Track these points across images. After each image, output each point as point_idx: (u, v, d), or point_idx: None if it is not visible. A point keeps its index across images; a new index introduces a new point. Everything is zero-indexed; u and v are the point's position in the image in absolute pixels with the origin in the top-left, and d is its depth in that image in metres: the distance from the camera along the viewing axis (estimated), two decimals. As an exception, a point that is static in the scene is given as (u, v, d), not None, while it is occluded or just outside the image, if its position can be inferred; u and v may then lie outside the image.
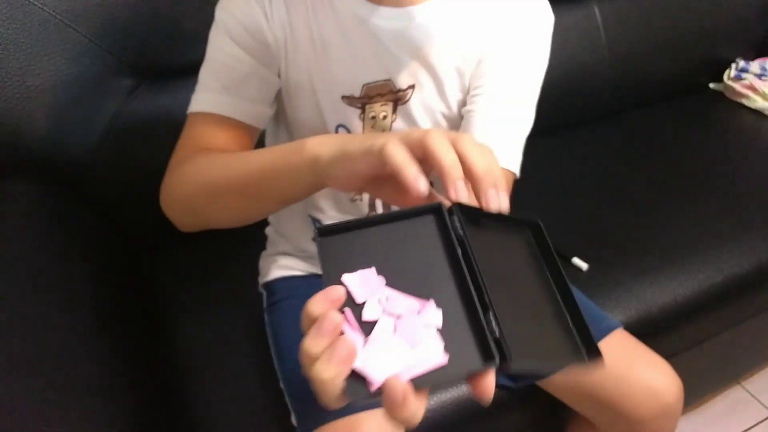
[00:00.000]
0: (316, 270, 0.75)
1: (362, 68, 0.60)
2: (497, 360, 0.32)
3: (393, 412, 0.31)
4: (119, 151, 0.86)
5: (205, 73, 0.60)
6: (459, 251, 0.36)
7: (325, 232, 0.36)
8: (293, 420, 0.67)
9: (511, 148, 0.61)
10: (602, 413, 0.71)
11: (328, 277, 0.34)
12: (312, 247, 0.74)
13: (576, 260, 0.91)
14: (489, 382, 0.33)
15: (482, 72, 0.62)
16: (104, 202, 0.88)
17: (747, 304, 0.99)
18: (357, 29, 0.59)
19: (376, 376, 0.31)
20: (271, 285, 0.76)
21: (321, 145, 0.43)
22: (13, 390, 0.53)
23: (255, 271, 0.82)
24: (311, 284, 0.74)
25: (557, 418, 0.83)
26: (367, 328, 0.33)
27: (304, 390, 0.63)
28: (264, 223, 0.83)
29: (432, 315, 0.34)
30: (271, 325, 0.74)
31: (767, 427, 1.19)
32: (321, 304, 0.33)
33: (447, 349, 0.33)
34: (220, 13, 0.60)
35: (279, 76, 0.61)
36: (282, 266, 0.76)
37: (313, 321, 0.32)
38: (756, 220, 1.01)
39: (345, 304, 0.33)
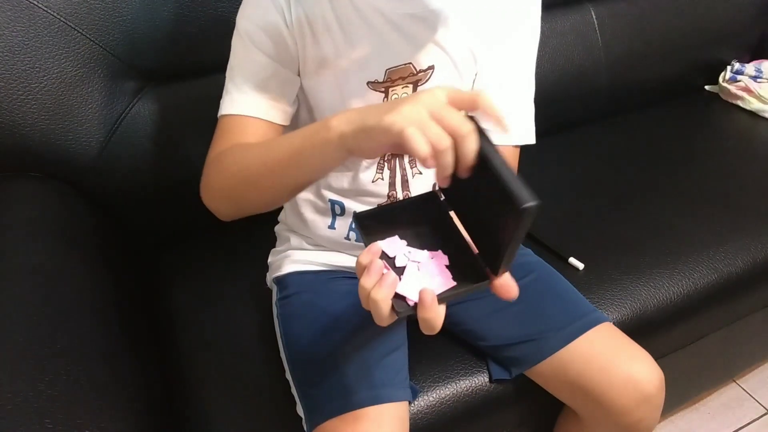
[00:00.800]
0: (332, 263, 0.77)
1: (385, 54, 0.64)
2: (489, 280, 0.49)
3: (424, 313, 0.46)
4: (124, 152, 0.87)
5: (230, 78, 0.64)
6: (448, 219, 0.53)
7: (360, 217, 0.53)
8: (299, 410, 0.68)
9: (526, 123, 0.71)
10: (586, 403, 0.73)
11: (368, 242, 0.50)
12: (328, 236, 0.75)
13: (572, 260, 0.92)
14: (505, 286, 0.48)
15: (491, 52, 0.68)
16: (110, 203, 0.89)
17: (742, 302, 1.00)
18: (377, 18, 0.63)
19: (413, 296, 0.47)
20: (283, 279, 0.77)
21: (343, 123, 0.49)
22: (18, 388, 0.54)
23: (260, 268, 0.83)
24: (324, 280, 0.76)
25: (549, 411, 0.84)
26: (400, 271, 0.49)
27: (313, 381, 0.66)
28: (271, 221, 0.84)
29: (441, 259, 0.51)
30: (282, 317, 0.75)
31: (762, 424, 1.20)
32: (367, 256, 0.48)
33: (454, 277, 0.49)
34: (240, 21, 0.64)
35: (299, 74, 0.65)
36: (296, 261, 0.77)
37: (364, 268, 0.47)
38: (750, 220, 1.02)
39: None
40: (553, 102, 1.20)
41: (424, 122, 0.44)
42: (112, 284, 0.76)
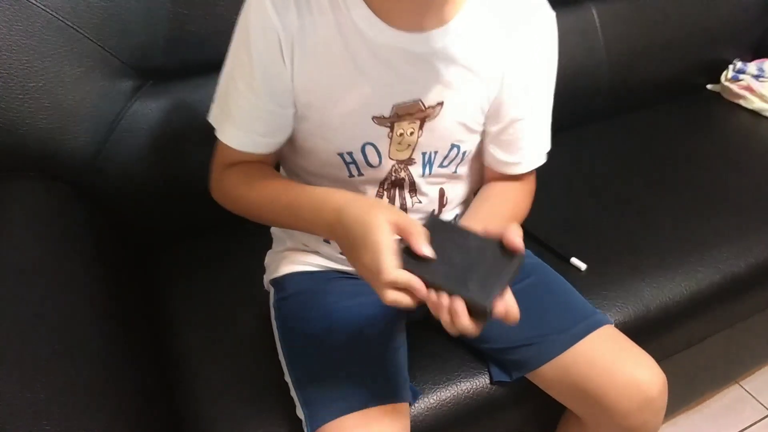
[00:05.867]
0: (329, 264, 0.76)
1: (393, 90, 0.63)
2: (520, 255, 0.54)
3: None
4: (122, 152, 0.87)
5: (224, 102, 0.66)
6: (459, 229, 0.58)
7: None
8: (298, 412, 0.68)
9: (541, 149, 0.75)
10: (588, 407, 0.72)
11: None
12: (323, 249, 0.75)
13: (574, 260, 0.92)
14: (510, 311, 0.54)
15: (508, 86, 0.68)
16: (108, 203, 0.88)
17: (745, 303, 1.00)
18: (388, 54, 0.62)
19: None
20: (280, 280, 0.77)
21: (334, 228, 0.58)
22: (15, 388, 0.54)
23: (258, 269, 0.82)
24: (322, 280, 0.75)
25: (550, 414, 0.84)
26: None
27: (314, 383, 0.65)
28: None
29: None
30: (280, 319, 0.75)
31: (765, 426, 1.20)
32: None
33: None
34: (239, 47, 0.63)
35: (295, 107, 0.65)
36: (293, 261, 0.77)
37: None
38: (753, 220, 1.01)
39: None
40: (554, 102, 1.19)
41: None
42: (110, 284, 0.76)
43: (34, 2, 0.78)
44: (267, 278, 0.81)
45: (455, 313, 0.51)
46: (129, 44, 0.84)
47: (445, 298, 0.51)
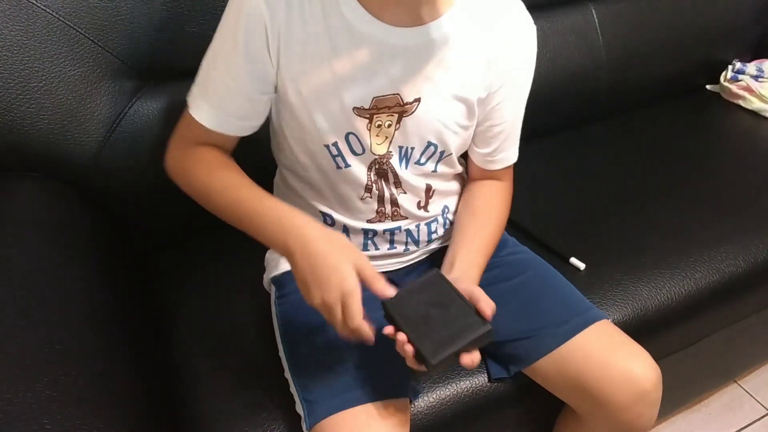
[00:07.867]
0: None
1: (374, 83, 0.65)
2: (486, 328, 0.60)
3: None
4: (123, 152, 0.87)
5: (206, 80, 0.67)
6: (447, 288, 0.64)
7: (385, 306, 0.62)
8: (298, 408, 0.68)
9: (515, 147, 0.79)
10: (584, 400, 0.73)
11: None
12: None
13: (574, 260, 0.92)
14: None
15: (488, 89, 0.70)
16: (109, 203, 0.89)
17: (743, 303, 1.00)
18: (374, 48, 0.64)
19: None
20: (281, 278, 0.78)
21: (295, 254, 0.59)
22: (16, 388, 0.54)
23: (259, 268, 0.83)
24: None
25: (549, 411, 0.84)
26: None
27: (312, 379, 0.66)
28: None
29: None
30: (281, 315, 0.75)
31: (764, 425, 1.20)
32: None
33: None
34: (229, 25, 0.64)
35: (276, 91, 0.66)
36: None
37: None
38: (752, 220, 1.02)
39: None
40: (554, 101, 1.19)
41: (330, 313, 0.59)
42: (110, 284, 0.76)
43: (34, 2, 0.78)
44: (267, 276, 0.81)
45: (404, 353, 0.59)
46: (130, 45, 0.84)
47: (402, 335, 0.59)
